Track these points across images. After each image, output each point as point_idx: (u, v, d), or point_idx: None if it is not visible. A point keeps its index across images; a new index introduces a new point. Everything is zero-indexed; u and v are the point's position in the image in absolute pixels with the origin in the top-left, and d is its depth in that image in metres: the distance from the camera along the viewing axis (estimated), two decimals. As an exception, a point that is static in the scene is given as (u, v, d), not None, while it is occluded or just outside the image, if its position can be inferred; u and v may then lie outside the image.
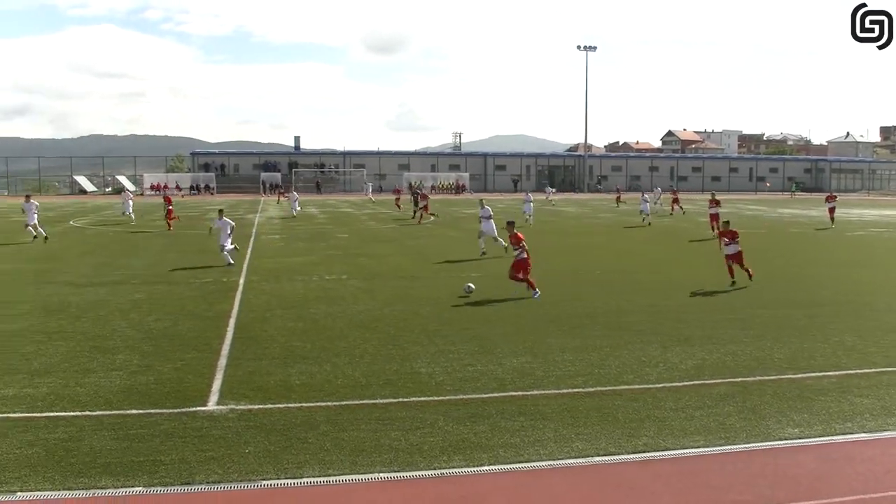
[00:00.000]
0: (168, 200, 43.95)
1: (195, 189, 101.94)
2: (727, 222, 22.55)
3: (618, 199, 67.52)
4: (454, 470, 8.20)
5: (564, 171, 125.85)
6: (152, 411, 10.08)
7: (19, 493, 7.69)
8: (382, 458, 8.46)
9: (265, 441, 8.99)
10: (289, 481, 7.94)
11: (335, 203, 73.70)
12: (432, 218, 46.33)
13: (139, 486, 7.84)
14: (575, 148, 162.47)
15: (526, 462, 8.43)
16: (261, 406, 10.27)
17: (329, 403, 10.37)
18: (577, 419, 9.74)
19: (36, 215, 33.75)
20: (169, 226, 40.17)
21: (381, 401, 10.50)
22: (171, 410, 10.10)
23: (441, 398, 10.61)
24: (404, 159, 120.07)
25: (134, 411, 10.09)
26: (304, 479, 7.97)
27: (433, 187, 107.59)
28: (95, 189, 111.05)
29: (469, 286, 18.88)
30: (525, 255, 18.85)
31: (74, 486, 7.84)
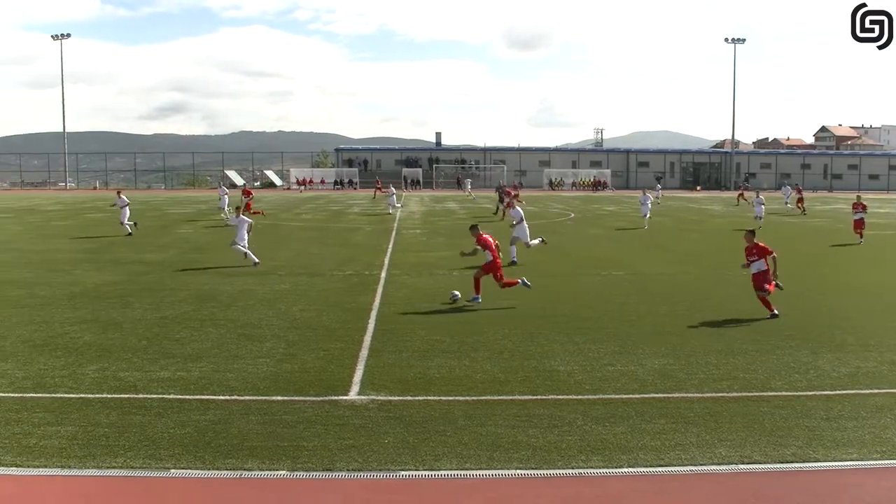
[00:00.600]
0: (248, 193, 43.54)
1: (339, 184, 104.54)
2: (752, 232, 16.81)
3: (740, 196, 64.76)
4: (592, 470, 8.09)
5: (710, 168, 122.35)
6: (296, 398, 10.39)
7: (173, 471, 8.07)
8: (520, 455, 8.43)
9: (404, 432, 9.12)
10: (426, 473, 8.02)
11: (474, 198, 74.06)
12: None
13: (283, 470, 8.10)
14: (721, 144, 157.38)
15: (666, 466, 8.21)
16: (400, 398, 10.42)
17: (467, 398, 10.42)
18: (720, 424, 9.44)
19: (128, 209, 34.87)
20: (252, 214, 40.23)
21: (520, 397, 10.47)
22: (314, 398, 10.38)
23: (579, 397, 10.49)
24: (545, 155, 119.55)
25: (279, 398, 10.43)
26: (442, 472, 8.03)
27: (574, 184, 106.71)
28: (245, 183, 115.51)
29: (455, 294, 17.53)
30: (492, 258, 17.56)
31: (223, 466, 8.17)
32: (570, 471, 8.07)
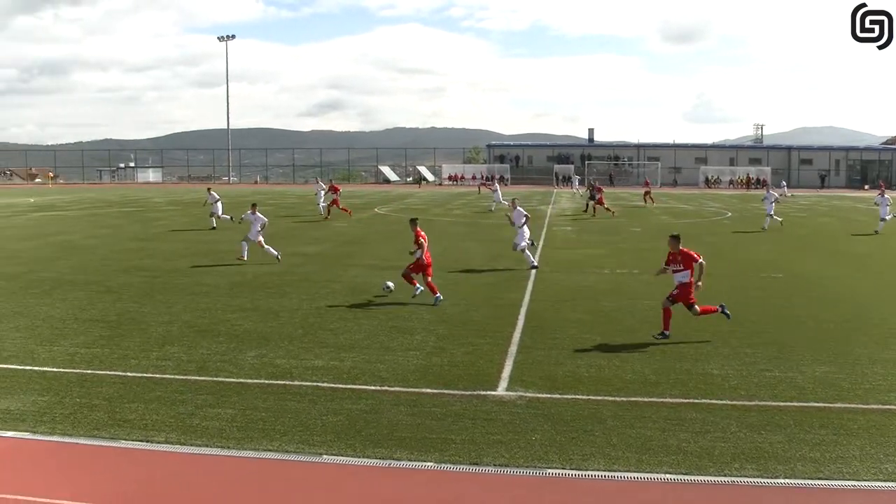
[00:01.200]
0: (335, 190, 43.28)
1: (490, 180, 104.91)
2: (676, 237, 13.99)
3: (880, 194, 60.11)
4: (745, 479, 7.79)
5: (879, 165, 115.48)
6: (445, 392, 10.50)
7: (325, 457, 8.32)
8: (669, 459, 8.22)
9: (551, 430, 9.05)
10: (573, 472, 7.94)
11: (627, 196, 72.81)
12: (610, 212, 44.05)
13: (430, 462, 8.20)
14: (892, 140, 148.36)
15: (826, 479, 7.81)
16: (548, 395, 10.35)
17: (617, 398, 10.25)
18: (887, 438, 8.89)
19: (220, 205, 35.47)
20: (328, 213, 40.23)
21: (671, 400, 10.21)
22: (462, 392, 10.46)
23: (734, 402, 10.13)
24: (701, 152, 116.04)
25: (428, 390, 10.56)
26: (589, 472, 7.93)
27: (731, 182, 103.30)
28: (398, 178, 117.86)
29: (387, 285, 17.30)
30: (421, 255, 16.96)
31: (372, 455, 8.35)
32: (723, 478, 7.81)
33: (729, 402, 10.13)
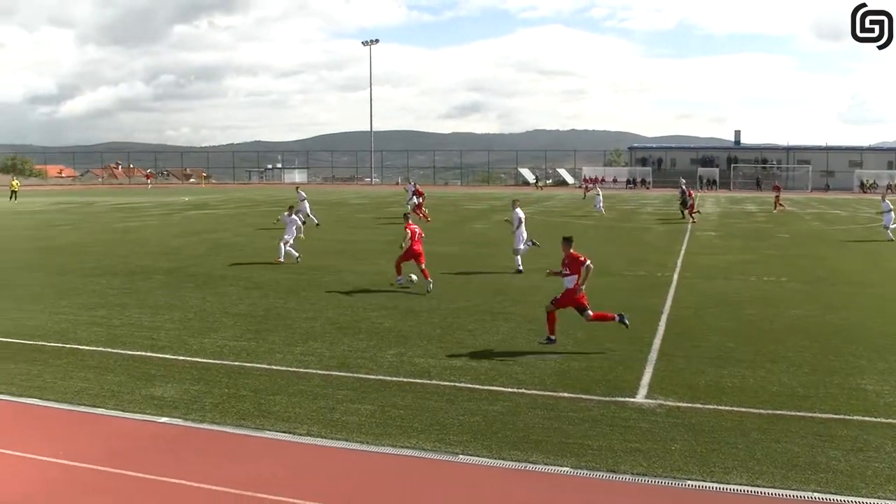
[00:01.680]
0: (419, 193, 42.89)
1: (631, 183, 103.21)
2: (568, 240, 13.93)
3: None
4: (902, 502, 7.37)
5: None
6: (582, 396, 10.39)
7: (461, 456, 8.38)
8: (818, 477, 7.85)
9: (692, 441, 8.82)
10: (714, 485, 7.71)
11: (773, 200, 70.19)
12: (696, 215, 42.13)
13: (566, 467, 8.13)
14: None
15: None
16: (689, 405, 10.09)
17: (762, 411, 9.88)
18: None
19: (307, 204, 36.42)
20: (419, 216, 39.50)
21: (820, 415, 9.76)
22: (600, 398, 10.33)
23: (889, 420, 9.58)
24: (856, 155, 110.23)
25: (565, 394, 10.48)
26: (731, 486, 7.68)
27: (889, 186, 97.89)
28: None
29: (411, 278, 18.62)
30: (410, 243, 18.94)
31: (508, 457, 8.35)
32: (876, 500, 7.40)
33: (884, 420, 9.60)
